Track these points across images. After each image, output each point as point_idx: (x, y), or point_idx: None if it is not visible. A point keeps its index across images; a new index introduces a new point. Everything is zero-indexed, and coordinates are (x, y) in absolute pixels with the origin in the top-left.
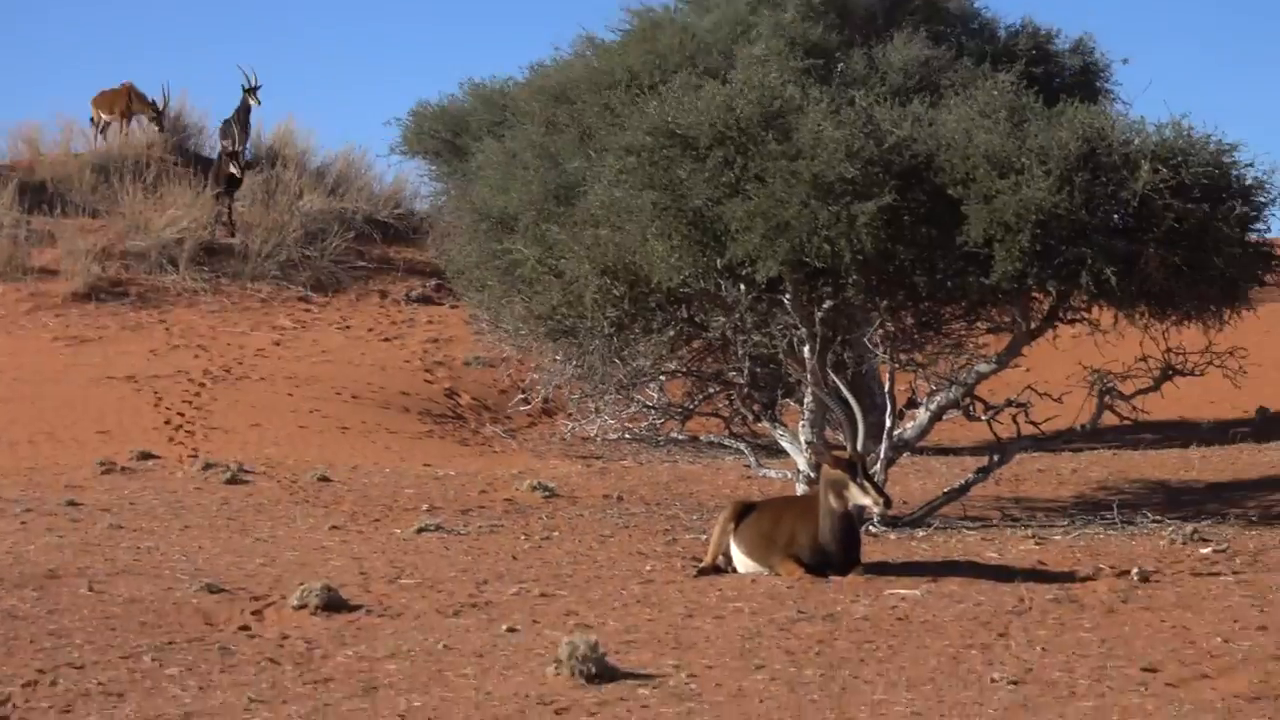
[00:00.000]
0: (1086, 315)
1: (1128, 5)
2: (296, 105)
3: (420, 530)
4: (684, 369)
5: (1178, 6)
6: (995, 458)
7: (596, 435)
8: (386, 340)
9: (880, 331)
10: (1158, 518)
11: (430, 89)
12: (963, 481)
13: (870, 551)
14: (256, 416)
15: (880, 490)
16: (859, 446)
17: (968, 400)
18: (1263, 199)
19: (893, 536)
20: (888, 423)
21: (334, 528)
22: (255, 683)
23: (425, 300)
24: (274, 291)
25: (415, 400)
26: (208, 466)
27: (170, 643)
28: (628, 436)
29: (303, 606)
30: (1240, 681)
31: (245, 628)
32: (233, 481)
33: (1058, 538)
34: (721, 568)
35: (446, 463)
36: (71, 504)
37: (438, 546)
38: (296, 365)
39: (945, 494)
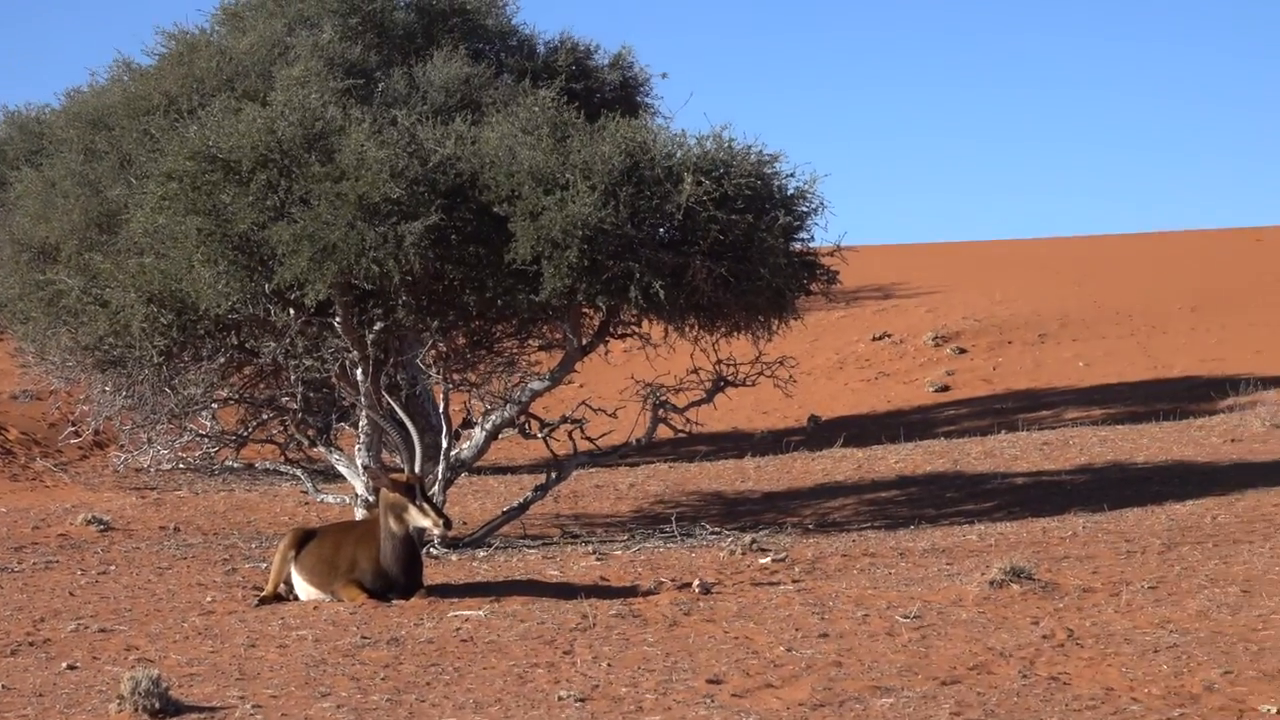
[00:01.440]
0: (637, 329)
1: (664, 20)
2: None
3: None
4: (236, 396)
5: (712, 21)
6: (553, 475)
7: (150, 466)
8: None
9: (433, 352)
10: (716, 529)
11: None
12: (521, 500)
13: (433, 574)
14: None
15: (440, 512)
16: (417, 468)
17: (523, 418)
18: (805, 208)
19: (454, 558)
20: (444, 444)
21: None
22: None
23: None
24: None
25: None
26: None
27: None
28: (182, 466)
29: None
30: (804, 689)
31: None
32: None
33: (618, 553)
34: (284, 596)
35: None
36: None
37: None
38: None
39: (505, 513)
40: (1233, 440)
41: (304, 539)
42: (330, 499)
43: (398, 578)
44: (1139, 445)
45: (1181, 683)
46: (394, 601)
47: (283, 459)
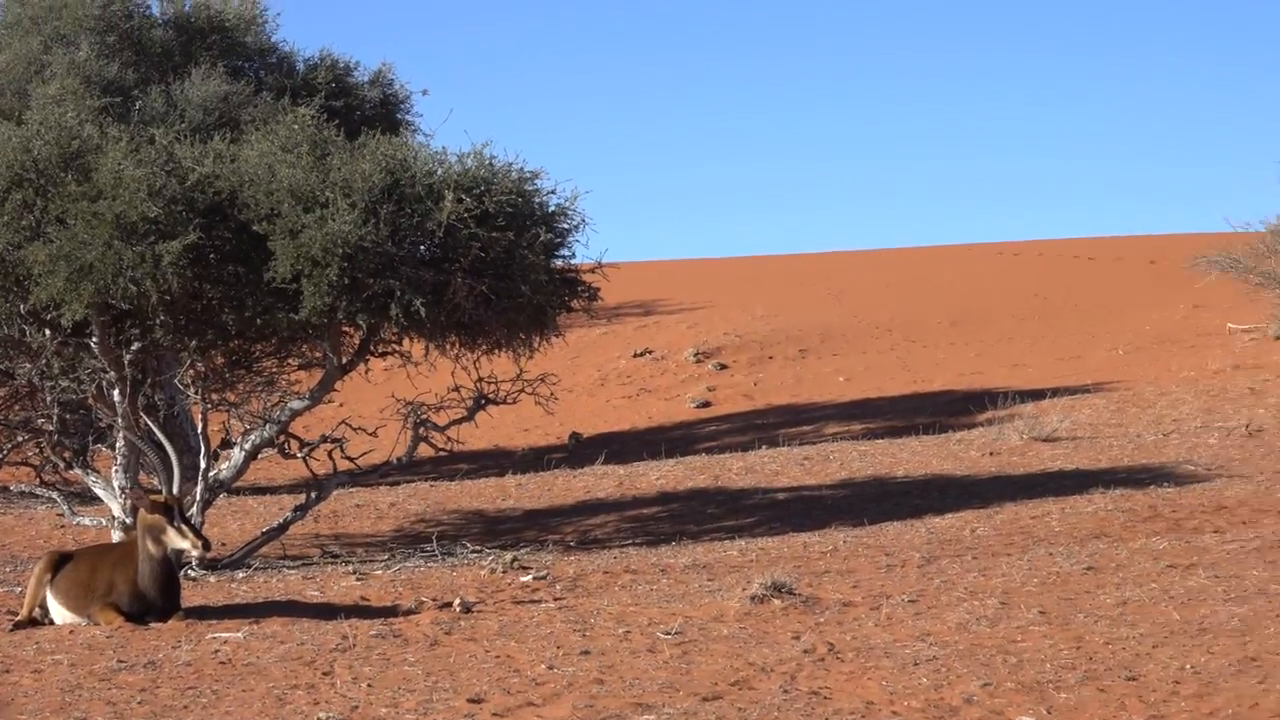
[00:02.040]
0: (398, 347)
1: (424, 35)
2: None
3: None
4: None
5: (473, 40)
6: (313, 495)
7: None
8: None
9: (191, 372)
10: (477, 548)
11: None
12: (281, 520)
13: (191, 596)
14: None
15: (198, 533)
16: (175, 490)
17: (283, 438)
18: (566, 225)
19: (213, 580)
20: (203, 464)
21: None
22: None
23: None
24: None
25: None
26: None
27: None
28: None
29: None
30: (565, 707)
31: None
32: None
33: (379, 572)
34: (39, 620)
35: None
36: None
37: None
38: None
39: (264, 534)
40: (991, 453)
41: (60, 562)
42: (87, 521)
43: (155, 600)
44: (899, 459)
45: (941, 695)
46: (151, 624)
47: (38, 481)
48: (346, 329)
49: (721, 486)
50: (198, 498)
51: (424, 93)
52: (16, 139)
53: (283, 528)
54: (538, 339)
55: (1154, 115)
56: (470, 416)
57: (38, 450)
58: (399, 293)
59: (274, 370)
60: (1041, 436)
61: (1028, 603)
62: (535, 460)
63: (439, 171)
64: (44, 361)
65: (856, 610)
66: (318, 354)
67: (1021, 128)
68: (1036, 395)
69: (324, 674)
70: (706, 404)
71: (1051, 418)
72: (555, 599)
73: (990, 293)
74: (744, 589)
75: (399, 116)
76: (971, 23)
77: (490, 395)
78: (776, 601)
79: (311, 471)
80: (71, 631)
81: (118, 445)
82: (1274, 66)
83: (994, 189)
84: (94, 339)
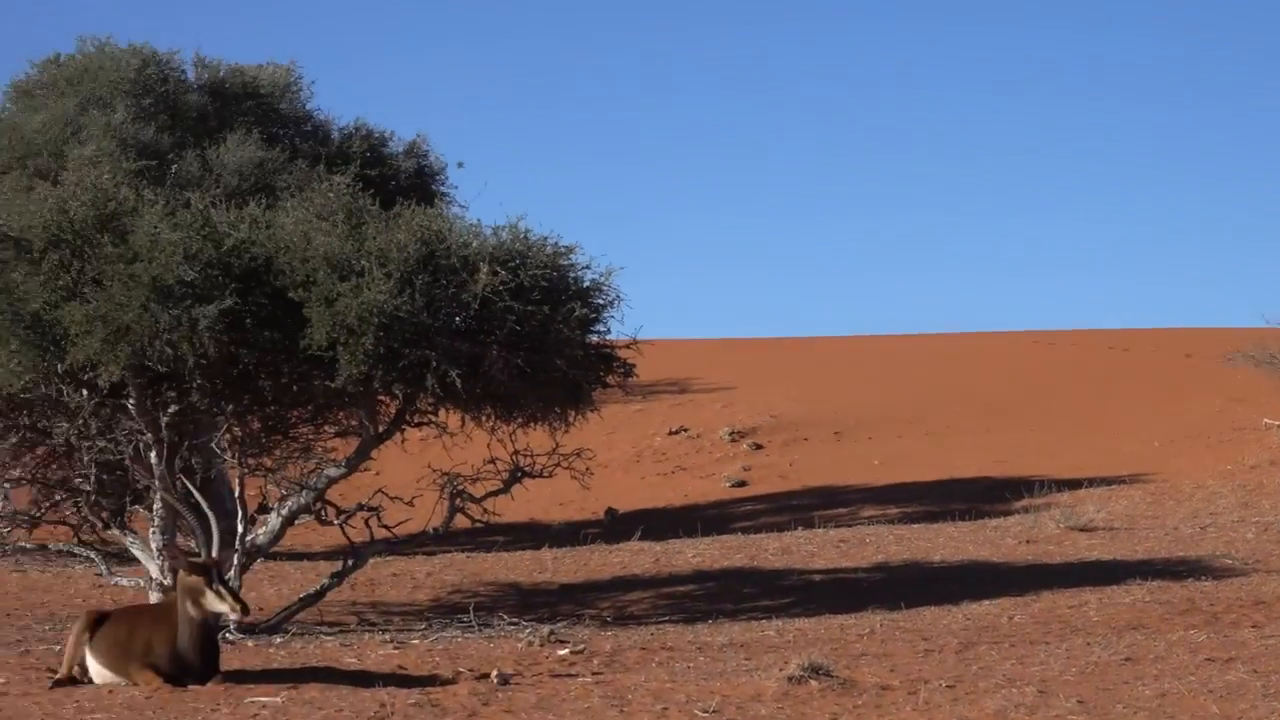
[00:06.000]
0: (434, 418)
1: (458, 109)
2: None
3: None
4: (29, 476)
5: (508, 112)
6: (349, 562)
7: None
8: None
9: (228, 436)
10: (514, 620)
11: None
12: (318, 587)
13: (229, 659)
14: None
15: (237, 596)
16: (213, 553)
17: (319, 505)
18: (601, 301)
19: (250, 644)
20: (240, 528)
21: None
22: None
23: None
24: None
25: None
26: None
27: None
28: None
29: None
30: None
31: None
32: None
33: (416, 642)
34: (78, 679)
35: None
36: None
37: None
38: None
39: (301, 600)
40: (1028, 541)
41: (99, 621)
42: (125, 582)
43: (194, 662)
44: (935, 544)
45: None
46: (190, 687)
47: (76, 541)
48: (382, 397)
49: (757, 566)
50: (234, 562)
51: (459, 165)
52: (53, 199)
53: (320, 594)
54: (573, 413)
55: (1190, 211)
56: (506, 489)
57: (75, 510)
58: (434, 363)
59: (310, 436)
60: (1078, 526)
61: (1066, 692)
62: (571, 534)
63: (474, 243)
64: (81, 421)
65: (894, 694)
66: (354, 422)
67: (1057, 218)
68: (1072, 485)
69: None
70: (742, 483)
71: (1088, 507)
72: (593, 673)
73: (1025, 381)
74: (781, 669)
75: (434, 188)
76: (1010, 108)
77: (526, 468)
78: (814, 683)
79: (348, 539)
80: (110, 691)
81: (155, 507)
82: None
83: (1030, 277)
84: (131, 400)
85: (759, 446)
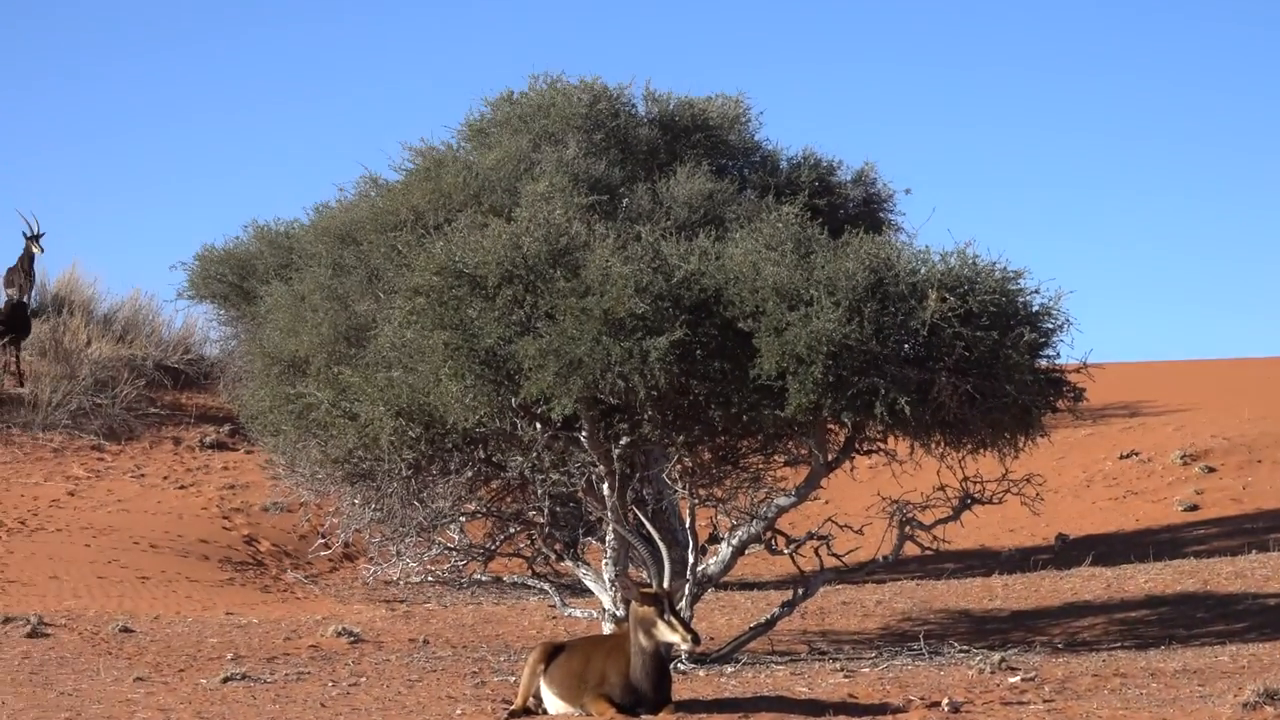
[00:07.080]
0: (883, 445)
1: (907, 135)
2: (81, 251)
3: (226, 680)
4: (484, 510)
5: (955, 136)
6: (799, 591)
7: (399, 579)
8: (182, 488)
9: (678, 467)
10: (965, 647)
11: (214, 232)
12: (768, 616)
13: (680, 689)
14: (54, 568)
15: (688, 627)
16: (665, 583)
17: (769, 534)
18: (1050, 325)
19: (702, 673)
20: (690, 558)
21: (138, 679)
22: None
23: (220, 446)
24: (66, 441)
25: (214, 548)
26: (6, 620)
27: None
28: (431, 579)
29: None
30: None
31: None
32: (33, 635)
33: (866, 670)
34: (533, 709)
35: (249, 610)
36: None
37: (245, 696)
38: (93, 515)
39: (752, 629)
40: None
41: (553, 653)
42: (578, 613)
43: (647, 693)
44: None
45: None
46: (642, 716)
47: (530, 573)
48: (831, 426)
49: (1210, 591)
50: (686, 592)
51: (906, 191)
52: (507, 235)
53: (770, 623)
54: (1022, 439)
55: None
56: (955, 516)
57: (529, 542)
58: (883, 391)
59: (760, 466)
60: None
61: None
62: (1021, 561)
63: (922, 270)
64: (535, 455)
65: None
66: (803, 451)
67: None
68: None
69: None
70: (1194, 507)
71: None
72: (1044, 701)
73: None
74: (1235, 695)
75: (881, 215)
76: None
77: (976, 495)
78: (1269, 709)
79: (798, 568)
80: None
81: (607, 538)
82: None
83: None
84: (583, 433)
85: (1211, 469)
